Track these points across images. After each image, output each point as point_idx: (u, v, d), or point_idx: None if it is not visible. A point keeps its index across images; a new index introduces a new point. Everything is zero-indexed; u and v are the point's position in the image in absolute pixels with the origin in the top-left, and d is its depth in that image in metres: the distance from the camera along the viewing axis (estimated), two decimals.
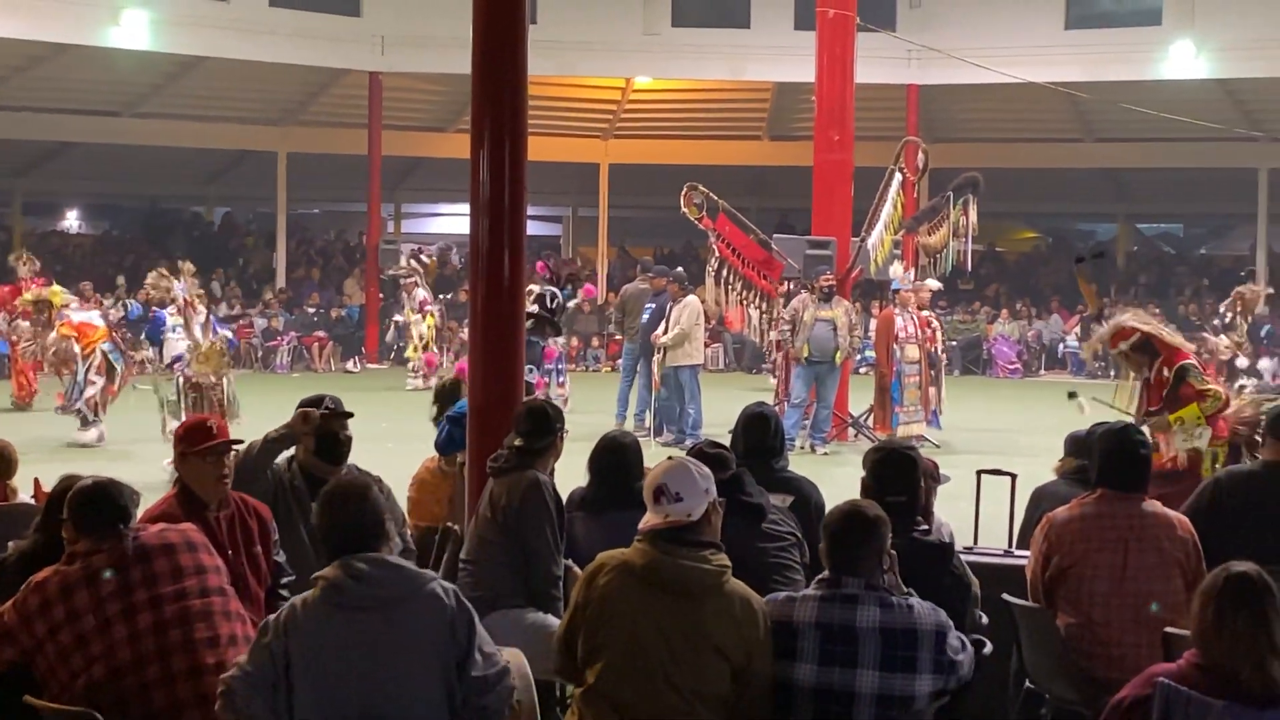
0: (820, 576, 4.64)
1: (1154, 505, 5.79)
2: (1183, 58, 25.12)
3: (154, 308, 15.73)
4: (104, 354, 15.95)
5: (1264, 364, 24.51)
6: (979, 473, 7.96)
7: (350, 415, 6.46)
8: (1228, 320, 21.52)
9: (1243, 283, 22.68)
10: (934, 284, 17.51)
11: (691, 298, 16.78)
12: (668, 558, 4.50)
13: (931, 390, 16.78)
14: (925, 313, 17.06)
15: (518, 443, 6.05)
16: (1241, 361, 21.40)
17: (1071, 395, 11.21)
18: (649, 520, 4.59)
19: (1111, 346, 10.24)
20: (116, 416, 15.95)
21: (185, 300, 13.97)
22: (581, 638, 4.57)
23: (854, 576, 4.54)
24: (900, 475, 5.48)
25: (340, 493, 4.49)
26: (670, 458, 4.81)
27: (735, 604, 4.50)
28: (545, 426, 6.11)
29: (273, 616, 4.33)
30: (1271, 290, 23.22)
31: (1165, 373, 9.53)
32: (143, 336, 18.41)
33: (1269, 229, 30.04)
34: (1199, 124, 25.10)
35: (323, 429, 6.30)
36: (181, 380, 13.51)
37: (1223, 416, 9.27)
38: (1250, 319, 21.81)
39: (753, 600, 4.55)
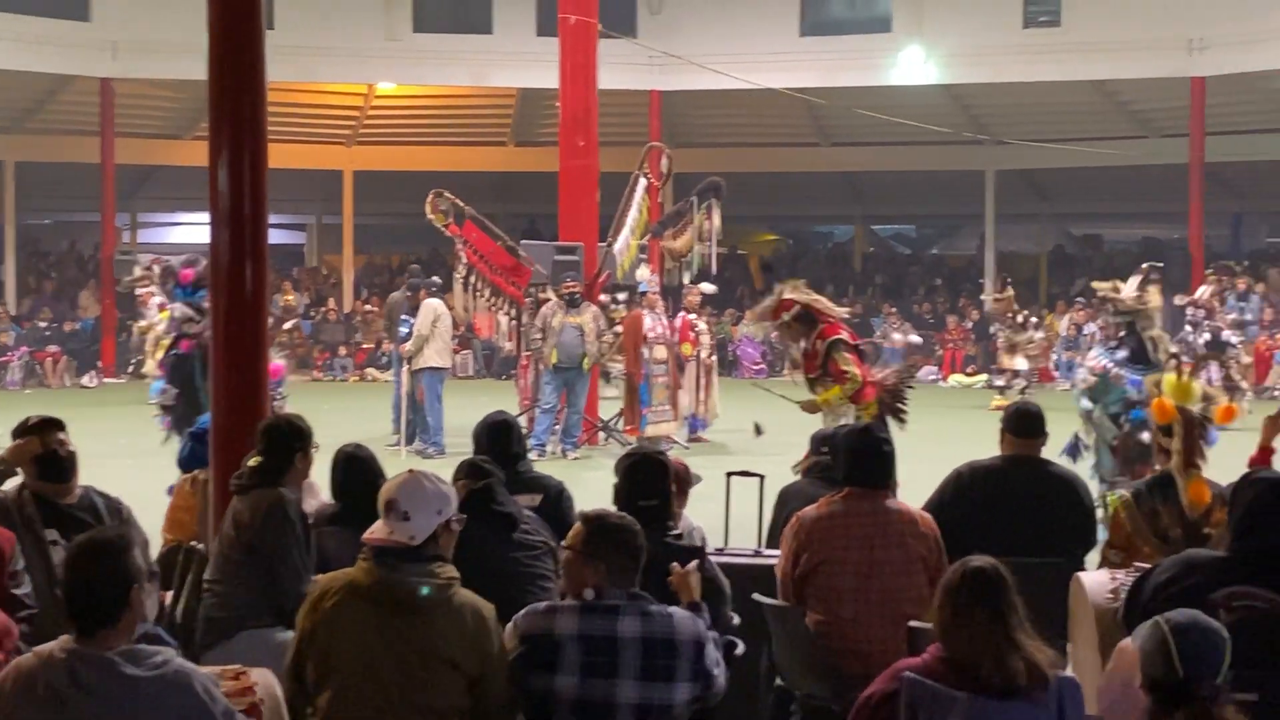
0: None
1: (897, 502, 5.91)
2: (912, 64, 25.96)
3: None
4: None
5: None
6: (728, 474, 8.06)
7: (60, 425, 6.12)
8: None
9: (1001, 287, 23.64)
10: (708, 287, 17.72)
11: (430, 300, 16.64)
12: (393, 574, 4.41)
13: (682, 395, 16.97)
14: (692, 316, 17.26)
15: (257, 460, 5.91)
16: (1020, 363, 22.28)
17: (758, 431, 11.85)
18: (376, 531, 4.50)
19: (774, 318, 10.72)
20: None
21: None
22: (311, 664, 4.45)
23: (615, 587, 4.53)
24: (652, 480, 5.53)
25: (80, 555, 3.97)
26: (410, 470, 4.70)
27: (466, 615, 4.44)
28: (283, 444, 5.96)
29: None
30: (1011, 292, 24.18)
31: (819, 344, 10.11)
32: None
33: (996, 229, 31.20)
34: (929, 128, 26.00)
35: (41, 449, 6.00)
36: None
37: (870, 382, 10.07)
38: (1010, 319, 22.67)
39: (484, 610, 4.50)
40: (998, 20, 25.70)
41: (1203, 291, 21.09)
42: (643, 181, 17.57)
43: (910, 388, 10.68)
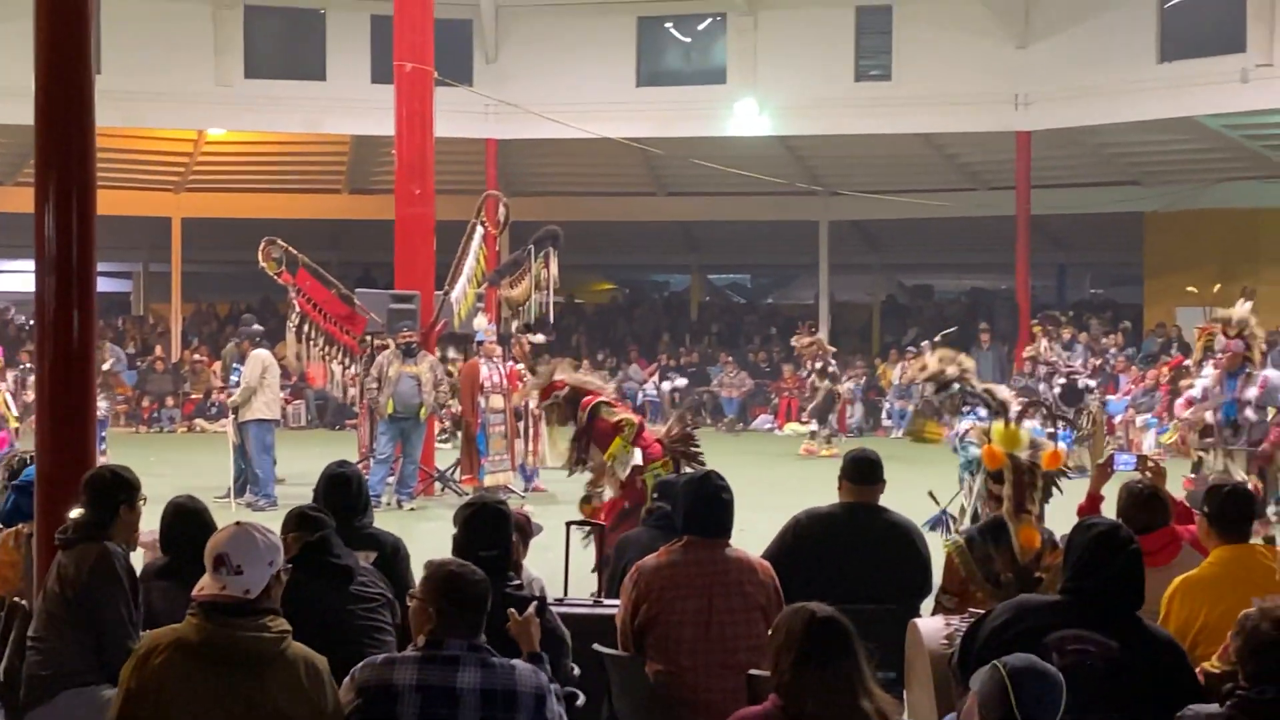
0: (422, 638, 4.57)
1: (736, 550, 5.91)
2: (747, 115, 26.29)
3: None
4: None
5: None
6: (568, 524, 8.03)
7: None
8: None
9: (808, 331, 23.89)
10: (536, 337, 17.68)
11: (257, 351, 16.40)
12: (224, 630, 4.32)
13: (519, 443, 16.90)
14: (520, 366, 17.20)
15: (81, 514, 5.75)
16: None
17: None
18: (205, 587, 4.39)
19: (543, 399, 10.89)
20: None
21: None
22: None
23: (456, 638, 4.48)
24: (492, 529, 5.50)
25: None
26: (238, 523, 4.60)
27: (300, 669, 4.37)
28: (107, 496, 5.80)
29: None
30: (821, 336, 24.66)
31: (582, 416, 10.26)
32: None
33: (830, 278, 31.67)
34: (764, 178, 26.36)
35: None
36: None
37: (656, 440, 10.04)
38: (816, 364, 22.98)
39: (317, 662, 4.43)
40: (830, 73, 26.16)
41: (1043, 345, 21.53)
42: (479, 230, 17.51)
43: (694, 431, 10.80)
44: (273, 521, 5.22)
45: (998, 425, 6.96)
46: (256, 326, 17.82)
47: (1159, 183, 27.37)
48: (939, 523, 10.72)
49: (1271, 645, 4.35)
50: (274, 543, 4.54)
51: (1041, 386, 20.67)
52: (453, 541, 5.54)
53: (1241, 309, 12.37)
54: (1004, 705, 3.88)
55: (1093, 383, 21.56)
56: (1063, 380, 20.62)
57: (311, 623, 4.78)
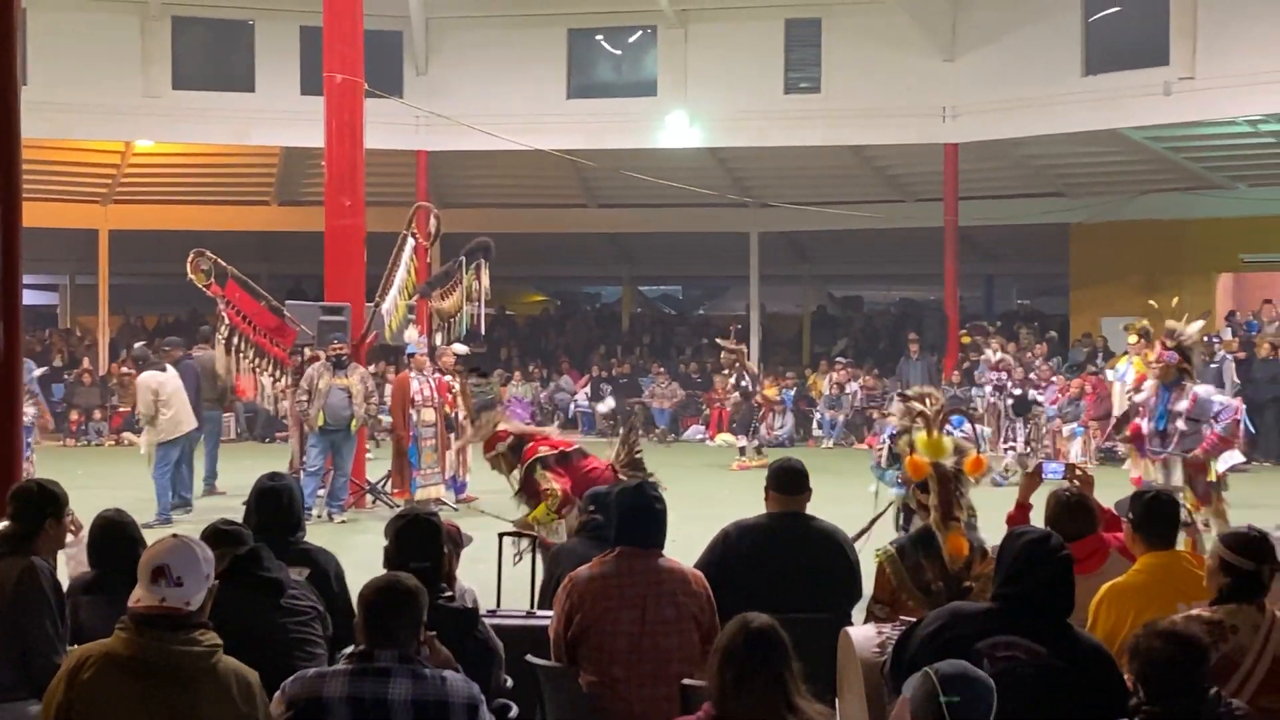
0: (352, 650, 4.55)
1: (670, 561, 5.92)
2: (677, 127, 26.36)
3: None
4: None
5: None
6: (500, 535, 8.02)
7: None
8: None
9: (734, 340, 24.00)
10: (460, 348, 17.63)
11: (142, 378, 16.26)
12: (155, 644, 4.29)
13: (450, 454, 16.84)
14: (448, 377, 17.13)
15: (6, 527, 5.68)
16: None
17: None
18: (141, 598, 4.35)
19: (488, 450, 11.01)
20: None
21: None
22: None
23: (387, 649, 4.46)
24: (423, 541, 5.48)
25: None
26: (175, 535, 4.57)
27: (231, 683, 4.34)
28: (33, 510, 5.74)
29: None
30: (744, 348, 24.77)
31: (521, 469, 10.55)
32: None
33: (760, 289, 31.79)
34: (695, 190, 26.43)
35: None
36: None
37: (610, 466, 10.48)
38: (738, 373, 23.10)
39: (248, 676, 4.41)
40: (760, 86, 26.27)
41: (996, 354, 21.67)
42: (410, 241, 17.45)
43: (638, 447, 10.92)
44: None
45: (921, 435, 6.98)
46: (140, 344, 17.61)
47: (1084, 194, 27.66)
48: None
49: (1167, 662, 4.44)
50: (210, 556, 4.53)
51: (989, 394, 20.83)
52: (384, 554, 5.51)
53: (1193, 327, 12.51)
54: (935, 711, 3.91)
55: (1041, 396, 21.79)
56: (1016, 391, 20.84)
57: (242, 636, 4.75)
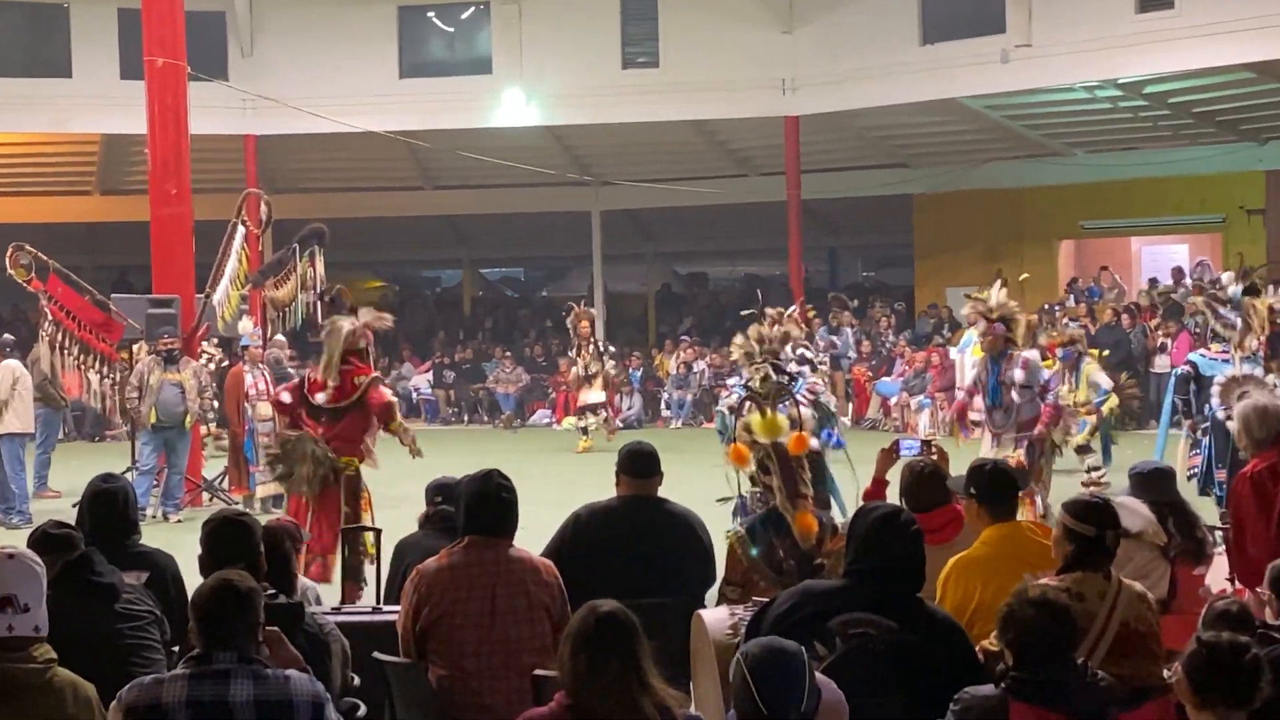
0: (190, 654, 4.47)
1: (519, 550, 5.83)
2: (514, 106, 26.12)
3: None
4: None
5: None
6: (342, 529, 7.84)
7: None
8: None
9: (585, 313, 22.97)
10: (280, 339, 17.29)
11: (7, 362, 15.71)
12: None
13: None
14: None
15: None
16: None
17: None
18: None
19: None
20: None
21: None
22: None
23: (226, 651, 4.39)
24: (235, 543, 5.38)
25: None
26: (11, 555, 4.43)
27: (66, 696, 4.29)
28: None
29: None
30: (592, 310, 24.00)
31: None
32: None
33: (604, 269, 31.73)
34: (533, 169, 26.25)
35: None
36: None
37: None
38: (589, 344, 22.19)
39: (85, 690, 4.36)
40: (597, 62, 26.12)
41: (817, 331, 21.69)
42: (241, 229, 17.06)
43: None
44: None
45: (754, 417, 6.92)
46: (6, 336, 17.11)
47: (926, 165, 28.00)
48: (743, 508, 10.64)
49: (1035, 627, 4.49)
50: (43, 569, 4.48)
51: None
52: (198, 560, 5.36)
53: (999, 292, 12.58)
54: (749, 697, 4.02)
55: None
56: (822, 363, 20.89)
57: (76, 645, 4.67)
